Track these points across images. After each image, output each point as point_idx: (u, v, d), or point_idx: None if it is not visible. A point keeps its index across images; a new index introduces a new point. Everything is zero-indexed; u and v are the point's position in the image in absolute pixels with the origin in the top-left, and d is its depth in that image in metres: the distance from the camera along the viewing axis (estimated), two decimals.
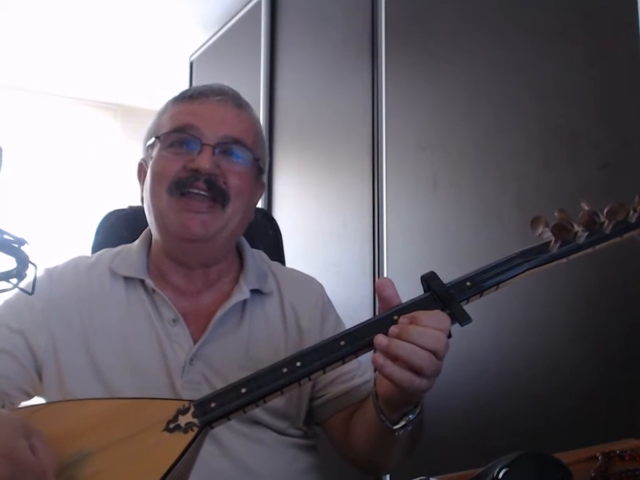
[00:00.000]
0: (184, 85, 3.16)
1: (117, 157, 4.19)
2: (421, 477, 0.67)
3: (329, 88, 2.11)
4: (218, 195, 0.89)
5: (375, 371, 0.72)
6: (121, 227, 1.17)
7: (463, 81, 1.57)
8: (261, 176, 1.01)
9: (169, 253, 0.94)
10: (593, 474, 0.73)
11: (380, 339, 0.67)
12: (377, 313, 1.67)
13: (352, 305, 1.83)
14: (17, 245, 0.60)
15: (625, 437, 0.88)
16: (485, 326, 1.40)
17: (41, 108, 4.04)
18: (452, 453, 1.44)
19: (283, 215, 2.27)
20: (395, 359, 0.66)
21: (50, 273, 0.95)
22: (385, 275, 1.76)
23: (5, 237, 0.60)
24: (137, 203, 1.22)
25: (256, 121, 0.99)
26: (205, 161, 0.88)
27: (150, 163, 0.94)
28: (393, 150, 1.78)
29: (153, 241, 0.98)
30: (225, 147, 0.91)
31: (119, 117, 4.30)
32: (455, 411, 1.47)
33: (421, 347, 0.65)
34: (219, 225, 0.90)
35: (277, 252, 1.23)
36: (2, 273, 0.59)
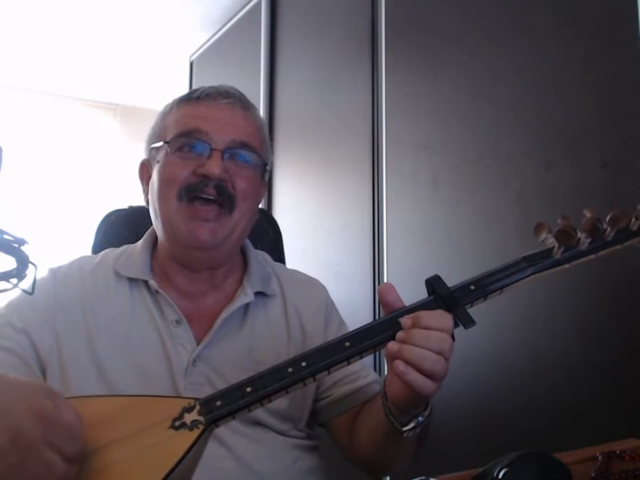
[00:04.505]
0: (184, 85, 3.16)
1: (117, 156, 4.18)
2: (421, 477, 0.67)
3: (329, 88, 2.11)
4: (226, 200, 0.89)
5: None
6: (121, 226, 1.17)
7: (463, 80, 1.57)
8: (265, 176, 1.01)
9: (175, 257, 0.94)
10: (592, 474, 0.73)
11: (391, 345, 0.68)
12: (377, 313, 1.68)
13: (352, 304, 1.83)
14: (17, 245, 0.60)
15: (625, 437, 0.88)
16: (484, 325, 1.40)
17: (41, 108, 4.04)
18: (452, 453, 1.44)
19: (283, 215, 2.27)
20: (407, 363, 0.67)
21: (54, 272, 0.95)
22: (385, 275, 1.76)
23: (5, 237, 0.60)
24: (137, 202, 1.22)
25: (262, 122, 0.99)
26: (215, 167, 0.87)
27: (156, 167, 0.93)
28: (392, 150, 1.78)
29: (158, 243, 0.98)
30: (233, 152, 0.91)
31: (118, 117, 4.30)
32: (454, 411, 1.47)
33: (429, 350, 0.66)
34: (226, 231, 0.90)
35: (277, 252, 1.23)
36: (2, 273, 0.59)
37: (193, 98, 0.94)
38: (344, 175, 1.99)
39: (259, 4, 2.52)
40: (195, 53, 3.10)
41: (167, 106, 0.98)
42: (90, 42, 3.29)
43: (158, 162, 0.93)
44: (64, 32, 3.16)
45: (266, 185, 1.03)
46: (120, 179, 4.03)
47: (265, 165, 0.97)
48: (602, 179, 1.22)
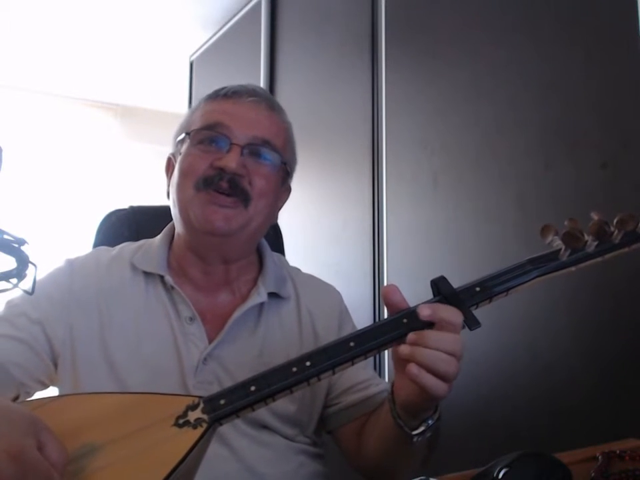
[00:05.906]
0: (184, 85, 3.16)
1: (117, 156, 4.18)
2: (421, 477, 0.67)
3: (329, 88, 2.11)
4: (239, 195, 0.89)
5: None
6: (121, 226, 1.17)
7: (463, 80, 1.57)
8: (288, 180, 1.01)
9: (191, 247, 0.94)
10: (592, 474, 0.73)
11: (402, 348, 0.67)
12: (377, 313, 1.67)
13: (352, 305, 1.82)
14: (17, 245, 0.60)
15: (625, 436, 0.88)
16: (484, 325, 1.40)
17: (41, 108, 4.04)
18: (452, 453, 1.44)
19: (283, 215, 2.27)
20: (420, 365, 0.67)
21: (71, 263, 0.95)
22: (385, 275, 1.76)
23: (5, 236, 0.60)
24: (137, 202, 1.22)
25: (288, 125, 0.99)
26: (231, 161, 0.88)
27: (178, 159, 0.94)
28: (392, 150, 1.78)
29: (175, 235, 0.98)
30: (253, 148, 0.91)
31: (118, 117, 4.29)
32: (454, 411, 1.47)
33: (442, 352, 0.66)
34: (241, 222, 0.90)
35: (277, 252, 1.23)
36: (2, 273, 0.59)
37: (219, 95, 0.95)
38: (344, 175, 1.99)
39: (258, 4, 2.52)
40: (195, 52, 3.09)
41: (195, 103, 0.99)
42: (90, 42, 3.28)
43: (180, 154, 0.94)
44: (64, 32, 3.16)
45: (288, 190, 1.03)
46: (120, 179, 4.03)
47: (286, 164, 0.97)
48: (602, 179, 1.22)
